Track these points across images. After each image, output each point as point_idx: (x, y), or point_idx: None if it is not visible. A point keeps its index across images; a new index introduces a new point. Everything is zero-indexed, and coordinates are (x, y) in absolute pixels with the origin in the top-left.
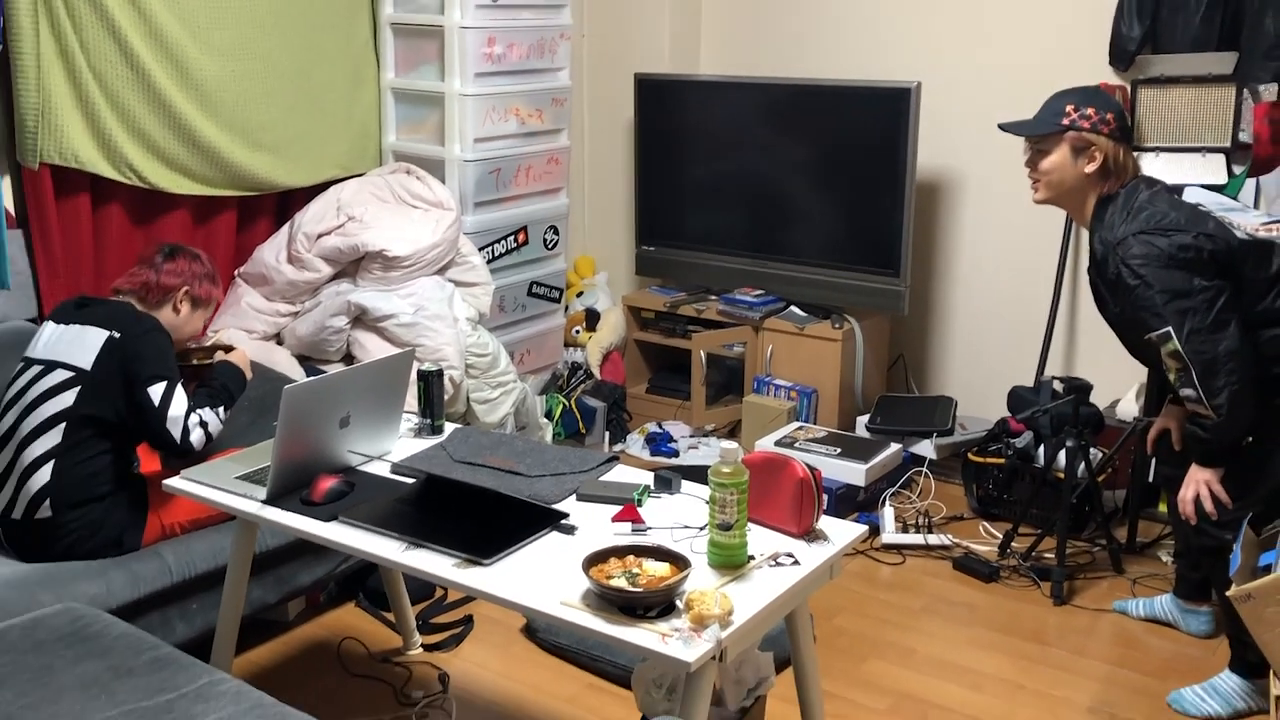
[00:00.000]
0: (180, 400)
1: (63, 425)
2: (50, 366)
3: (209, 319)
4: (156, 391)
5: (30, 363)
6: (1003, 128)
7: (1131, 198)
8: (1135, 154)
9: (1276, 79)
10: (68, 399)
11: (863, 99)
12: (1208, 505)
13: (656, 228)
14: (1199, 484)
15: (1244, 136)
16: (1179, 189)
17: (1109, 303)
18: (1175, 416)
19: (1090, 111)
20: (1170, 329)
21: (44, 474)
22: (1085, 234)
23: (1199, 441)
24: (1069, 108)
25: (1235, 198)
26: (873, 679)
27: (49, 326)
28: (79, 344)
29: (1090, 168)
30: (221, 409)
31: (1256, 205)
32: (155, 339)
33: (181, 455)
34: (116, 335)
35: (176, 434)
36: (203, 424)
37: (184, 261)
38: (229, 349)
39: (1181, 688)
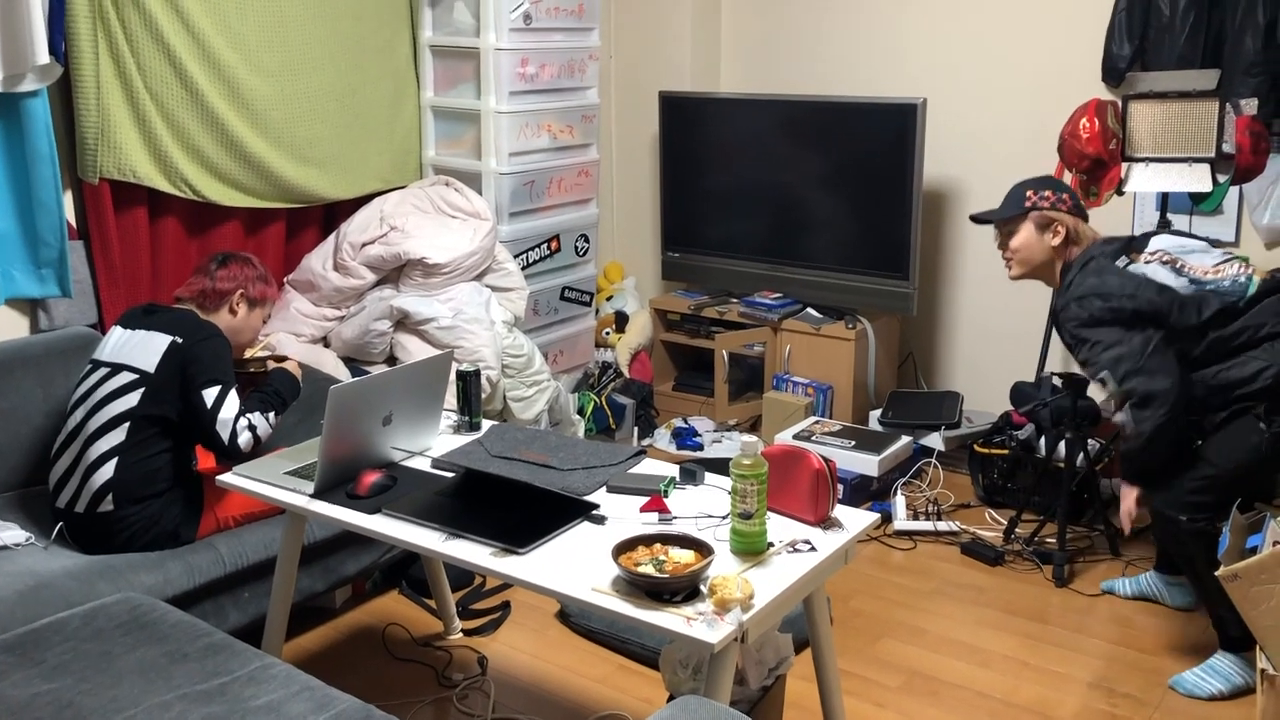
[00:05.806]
0: (232, 404)
1: (127, 424)
2: (117, 369)
3: (268, 317)
4: (210, 394)
5: (98, 365)
6: (973, 219)
7: (1084, 265)
8: (1089, 224)
9: (1256, 94)
10: (132, 399)
11: (872, 114)
12: (1126, 524)
13: (681, 235)
14: (1124, 498)
15: (1227, 147)
16: (1150, 234)
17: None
18: None
19: (1048, 194)
20: (1108, 373)
21: (108, 470)
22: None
23: (1125, 460)
24: (1029, 193)
25: (1220, 204)
26: (886, 657)
27: (116, 331)
28: (144, 348)
29: (1055, 240)
30: (273, 414)
31: (1239, 210)
32: (214, 345)
33: (228, 456)
34: (179, 340)
35: (225, 436)
36: (251, 427)
37: (236, 267)
38: (282, 359)
39: (1182, 672)
